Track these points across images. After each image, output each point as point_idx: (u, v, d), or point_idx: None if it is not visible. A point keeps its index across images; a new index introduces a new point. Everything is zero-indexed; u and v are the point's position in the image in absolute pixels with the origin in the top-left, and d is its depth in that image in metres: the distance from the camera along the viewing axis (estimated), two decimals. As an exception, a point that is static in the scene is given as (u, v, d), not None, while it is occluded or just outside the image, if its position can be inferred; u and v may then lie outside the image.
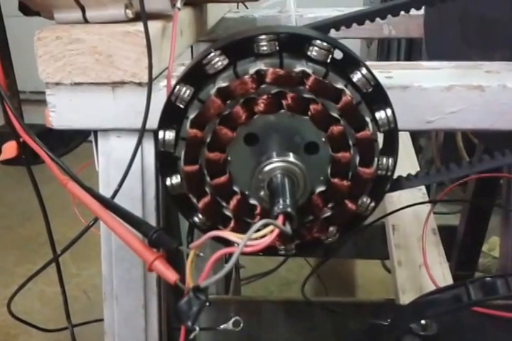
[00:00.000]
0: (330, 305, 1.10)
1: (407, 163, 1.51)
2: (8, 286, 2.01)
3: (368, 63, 0.71)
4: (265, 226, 0.45)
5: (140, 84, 0.63)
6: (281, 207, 0.48)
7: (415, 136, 2.18)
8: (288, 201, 0.49)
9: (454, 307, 0.58)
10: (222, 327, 0.86)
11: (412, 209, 1.37)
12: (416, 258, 1.18)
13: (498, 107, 0.64)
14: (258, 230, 0.46)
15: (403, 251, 1.21)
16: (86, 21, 0.65)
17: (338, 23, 0.66)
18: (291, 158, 0.53)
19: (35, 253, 2.02)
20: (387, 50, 2.88)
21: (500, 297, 0.57)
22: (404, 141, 1.68)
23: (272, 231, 0.45)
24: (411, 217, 1.31)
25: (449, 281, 1.11)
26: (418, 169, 1.44)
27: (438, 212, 1.62)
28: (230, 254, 0.45)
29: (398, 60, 2.79)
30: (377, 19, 0.71)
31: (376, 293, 1.81)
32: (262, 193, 0.53)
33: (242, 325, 0.86)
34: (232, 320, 0.87)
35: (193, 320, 0.44)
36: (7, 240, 2.41)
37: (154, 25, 0.65)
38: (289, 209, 0.47)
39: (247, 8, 1.28)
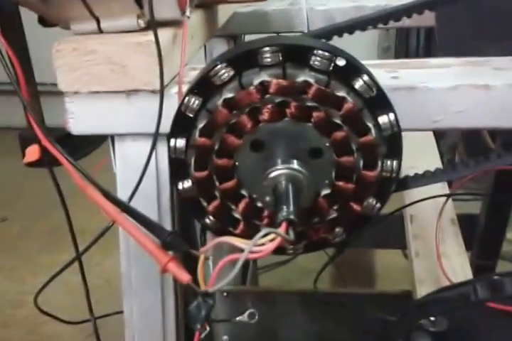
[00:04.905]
0: (345, 297, 1.12)
1: (428, 158, 1.50)
2: (36, 275, 2.07)
3: (374, 62, 0.73)
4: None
5: (153, 91, 0.65)
6: (284, 214, 0.50)
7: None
8: (291, 208, 0.51)
9: (460, 305, 0.60)
10: (237, 319, 0.90)
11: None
12: (434, 249, 1.19)
13: (503, 105, 0.65)
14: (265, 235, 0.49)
15: (420, 241, 1.22)
16: (101, 31, 0.68)
17: (340, 29, 0.67)
18: (295, 165, 0.56)
19: (60, 243, 2.05)
20: (406, 32, 2.84)
21: (508, 296, 0.58)
22: (428, 136, 1.67)
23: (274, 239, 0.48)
24: (429, 207, 1.32)
25: (468, 272, 1.12)
26: (439, 164, 1.43)
27: (459, 198, 1.59)
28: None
29: (418, 43, 2.77)
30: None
31: (395, 282, 1.81)
32: (267, 198, 0.56)
33: (257, 317, 0.90)
34: (248, 312, 0.90)
35: (201, 322, 0.47)
36: (33, 229, 2.45)
37: (165, 34, 0.67)
38: (291, 217, 0.50)
39: (258, 0, 1.29)
